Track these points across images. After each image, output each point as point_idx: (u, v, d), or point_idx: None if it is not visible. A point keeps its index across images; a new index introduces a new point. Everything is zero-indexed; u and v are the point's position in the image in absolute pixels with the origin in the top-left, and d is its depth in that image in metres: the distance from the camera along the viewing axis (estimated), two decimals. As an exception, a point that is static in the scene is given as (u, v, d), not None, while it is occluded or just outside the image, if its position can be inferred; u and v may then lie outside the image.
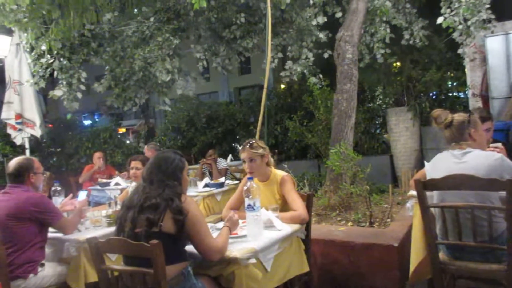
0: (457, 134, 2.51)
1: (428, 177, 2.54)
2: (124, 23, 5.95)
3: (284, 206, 2.93)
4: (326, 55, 6.29)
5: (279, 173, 3.03)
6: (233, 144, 8.86)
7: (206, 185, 4.99)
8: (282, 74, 6.41)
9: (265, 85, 4.85)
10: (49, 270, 2.94)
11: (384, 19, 5.96)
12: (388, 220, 4.00)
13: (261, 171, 2.97)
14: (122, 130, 10.10)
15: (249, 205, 2.46)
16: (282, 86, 9.34)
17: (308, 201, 3.01)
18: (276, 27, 6.25)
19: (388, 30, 6.11)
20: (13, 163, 2.97)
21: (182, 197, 2.16)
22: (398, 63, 7.61)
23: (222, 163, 6.05)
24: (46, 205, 2.90)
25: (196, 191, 4.78)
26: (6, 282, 2.71)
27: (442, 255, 2.51)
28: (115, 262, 2.67)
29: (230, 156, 7.16)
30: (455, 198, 2.36)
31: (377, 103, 7.51)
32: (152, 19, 5.70)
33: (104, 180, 6.34)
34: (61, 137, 9.63)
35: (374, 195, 4.47)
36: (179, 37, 5.73)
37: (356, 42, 5.02)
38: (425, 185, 2.41)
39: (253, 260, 2.26)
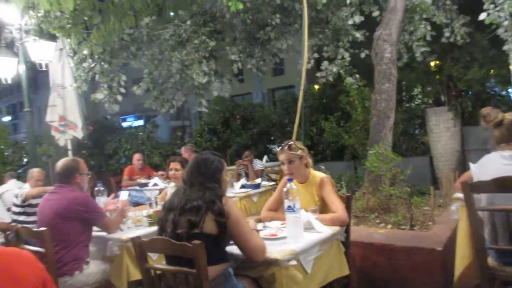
0: (507, 134, 2.40)
1: (475, 179, 2.44)
2: (161, 27, 6.07)
3: (323, 208, 2.90)
4: (363, 55, 6.18)
5: (318, 175, 3.00)
6: (268, 145, 8.86)
7: (243, 186, 5.02)
8: (318, 74, 6.36)
9: (302, 86, 4.83)
10: (93, 268, 3.03)
11: (424, 16, 5.80)
12: (430, 223, 3.88)
13: (300, 173, 2.95)
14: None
15: (289, 206, 2.45)
16: (316, 87, 9.27)
17: (347, 203, 2.96)
18: (312, 27, 6.20)
19: (429, 28, 5.94)
20: (61, 164, 3.09)
21: (223, 199, 2.17)
22: (437, 62, 7.38)
23: (258, 164, 6.06)
24: (91, 205, 2.99)
25: (233, 192, 4.81)
26: (54, 279, 2.81)
27: (491, 261, 2.41)
28: (156, 261, 2.73)
29: (265, 157, 7.17)
30: (506, 201, 2.26)
31: (416, 103, 7.32)
32: (188, 22, 5.79)
33: (143, 181, 6.49)
34: (101, 138, 9.95)
35: (415, 197, 4.35)
36: (215, 39, 5.79)
37: (395, 41, 4.91)
38: (472, 188, 2.32)
39: (294, 262, 2.25)
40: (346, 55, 6.08)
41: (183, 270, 2.04)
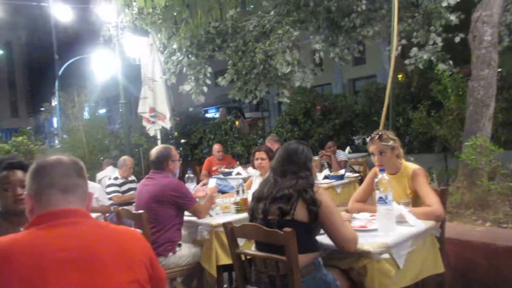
0: None
1: None
2: (245, 18, 6.17)
3: (414, 201, 2.76)
4: (457, 39, 5.73)
5: (411, 166, 2.85)
6: (351, 136, 8.64)
7: (326, 177, 4.95)
8: (406, 62, 6.02)
9: (390, 74, 4.61)
10: (185, 250, 3.19)
11: (530, -7, 5.22)
12: (537, 222, 3.52)
13: (391, 164, 2.82)
14: (237, 123, 10.61)
15: (380, 198, 2.36)
16: (400, 76, 8.83)
17: (442, 196, 2.79)
18: (400, 12, 5.88)
19: (536, 6, 5.34)
20: (155, 151, 3.28)
21: (315, 187, 2.16)
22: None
23: (342, 155, 5.94)
24: (183, 191, 3.14)
25: (316, 183, 4.75)
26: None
27: None
28: (242, 247, 2.80)
29: (348, 148, 6.99)
30: None
31: (518, 90, 6.63)
32: (272, 12, 5.81)
33: (226, 170, 6.67)
34: (187, 129, 10.42)
35: (518, 194, 3.97)
36: (298, 28, 5.74)
37: (496, 22, 4.49)
38: None
39: (386, 255, 2.17)
40: (438, 40, 5.67)
41: (274, 257, 2.06)
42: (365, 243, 2.20)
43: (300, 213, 2.09)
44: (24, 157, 7.24)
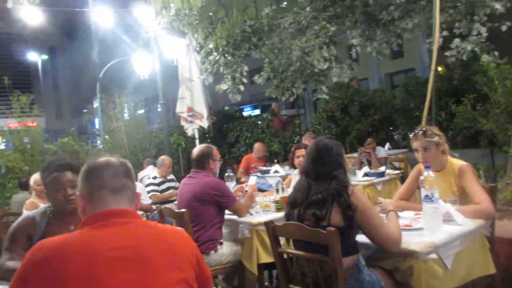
0: None
1: None
2: (280, 15, 6.13)
3: (461, 199, 2.65)
4: (504, 28, 5.46)
5: (457, 163, 2.74)
6: (391, 133, 8.43)
7: (366, 174, 4.85)
8: (447, 53, 5.80)
9: (433, 67, 4.45)
10: (226, 249, 3.22)
11: None
12: None
13: (437, 161, 2.72)
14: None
15: (426, 195, 2.29)
16: (441, 68, 8.51)
17: (492, 194, 2.67)
18: (442, 2, 5.68)
19: None
20: (196, 150, 3.33)
21: (349, 189, 2.10)
22: None
23: (382, 152, 5.80)
24: (224, 190, 3.17)
25: (356, 180, 4.67)
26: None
27: None
28: (283, 246, 2.79)
29: (387, 145, 6.83)
30: None
31: None
32: (308, 8, 5.74)
33: (264, 168, 6.68)
34: (224, 127, 10.51)
35: None
36: (335, 23, 5.65)
37: (546, 8, 4.24)
38: None
39: (434, 255, 2.10)
40: (483, 30, 5.42)
41: (318, 257, 2.04)
42: (411, 242, 2.13)
43: (336, 217, 2.05)
44: (70, 157, 7.55)
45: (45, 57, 28.54)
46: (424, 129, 2.75)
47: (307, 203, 2.12)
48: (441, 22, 5.68)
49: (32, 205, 3.89)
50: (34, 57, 26.50)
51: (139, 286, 1.16)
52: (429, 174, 2.30)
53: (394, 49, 6.96)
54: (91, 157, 1.36)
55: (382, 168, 5.06)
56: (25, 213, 2.19)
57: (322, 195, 2.09)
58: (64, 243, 1.16)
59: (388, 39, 6.45)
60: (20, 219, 2.16)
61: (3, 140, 8.89)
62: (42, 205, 2.28)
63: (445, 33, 5.97)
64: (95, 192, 1.29)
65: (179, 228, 1.46)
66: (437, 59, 4.63)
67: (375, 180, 4.76)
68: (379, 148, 5.87)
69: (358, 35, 6.22)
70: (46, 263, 1.11)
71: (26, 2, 4.57)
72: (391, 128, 8.86)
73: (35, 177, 4.10)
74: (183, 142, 9.77)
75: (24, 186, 5.85)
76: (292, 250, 2.28)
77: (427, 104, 4.48)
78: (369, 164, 5.60)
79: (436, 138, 2.69)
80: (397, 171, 5.39)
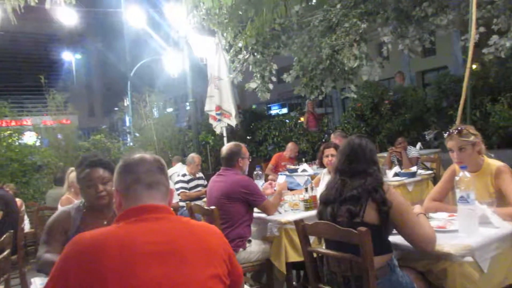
0: None
1: None
2: (310, 13, 6.09)
3: (499, 201, 2.56)
4: (544, 23, 5.25)
5: (494, 163, 2.64)
6: (423, 132, 8.21)
7: (396, 174, 4.76)
8: (484, 51, 5.62)
9: (468, 64, 4.32)
10: (255, 247, 3.22)
11: None
12: None
13: (472, 161, 2.63)
14: (301, 119, 10.55)
15: (461, 197, 2.22)
16: (475, 66, 8.23)
17: (531, 196, 2.56)
18: (478, -3, 5.51)
19: None
20: (226, 148, 3.35)
21: (385, 186, 2.07)
22: None
23: (413, 151, 5.68)
24: (253, 187, 3.18)
25: (387, 180, 4.58)
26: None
27: None
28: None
29: (419, 144, 6.68)
30: None
31: None
32: (338, 6, 5.68)
33: (292, 167, 6.66)
34: (251, 126, 10.53)
35: None
36: (366, 20, 5.57)
37: None
38: None
39: (469, 258, 2.04)
40: (523, 25, 5.23)
41: (348, 257, 2.01)
42: (445, 244, 2.07)
43: (370, 214, 2.02)
44: (102, 154, 7.75)
45: (78, 56, 29.38)
46: (459, 128, 2.66)
47: (341, 200, 2.11)
48: (477, 18, 5.52)
49: (67, 201, 4.01)
50: (69, 57, 27.34)
51: (174, 281, 1.17)
52: (464, 174, 2.23)
53: (426, 46, 6.79)
54: (122, 154, 1.40)
55: (414, 168, 4.95)
56: (61, 208, 2.26)
57: (357, 191, 2.07)
58: (101, 237, 1.19)
59: (420, 36, 6.31)
60: (56, 213, 2.23)
61: (39, 137, 9.21)
62: (77, 201, 2.35)
63: (481, 29, 5.79)
64: (131, 187, 1.32)
65: (211, 224, 1.47)
66: (472, 56, 4.49)
67: (406, 180, 4.66)
68: (410, 148, 5.75)
69: (390, 32, 6.10)
70: (85, 256, 1.14)
71: (63, 3, 4.70)
72: (423, 128, 8.63)
73: (74, 174, 4.23)
74: (211, 140, 9.85)
75: (59, 182, 6.02)
76: (321, 249, 2.26)
77: (462, 102, 4.36)
78: (400, 164, 5.49)
79: (472, 138, 2.60)
80: (429, 172, 5.26)
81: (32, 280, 1.85)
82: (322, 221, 2.19)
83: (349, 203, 2.07)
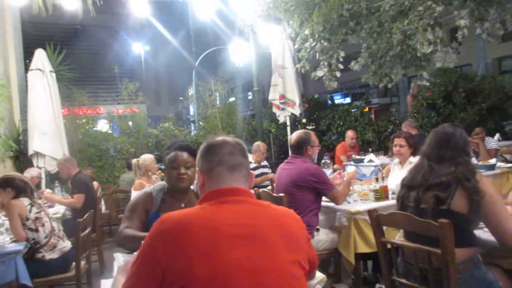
0: None
1: None
2: (381, -2, 5.83)
3: None
4: None
5: None
6: (502, 122, 7.66)
7: (473, 167, 4.47)
8: None
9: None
10: (323, 236, 3.19)
11: None
12: None
13: None
14: (366, 109, 10.19)
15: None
16: None
17: None
18: None
19: None
20: (295, 136, 3.33)
21: (477, 176, 1.96)
22: None
23: (492, 143, 5.31)
24: (322, 176, 3.14)
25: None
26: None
27: None
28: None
29: (497, 135, 6.24)
30: None
31: None
32: (411, -12, 5.38)
33: (358, 157, 6.51)
34: (315, 115, 10.40)
35: None
36: (441, 3, 5.23)
37: None
38: None
39: None
40: None
41: (426, 249, 1.93)
42: (536, 242, 1.92)
43: (459, 202, 1.92)
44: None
45: (147, 48, 30.59)
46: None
47: (427, 185, 2.03)
48: None
49: (140, 186, 4.22)
50: (138, 48, 28.56)
51: (255, 264, 1.18)
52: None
53: (510, 30, 6.27)
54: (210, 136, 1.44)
55: (492, 161, 4.64)
56: (145, 189, 2.39)
57: (446, 178, 1.99)
58: (187, 218, 1.22)
59: (502, 18, 5.82)
60: (139, 193, 2.35)
61: (110, 125, 9.75)
62: (160, 182, 2.46)
63: None
64: (214, 169, 1.34)
65: (290, 209, 1.47)
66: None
67: (484, 173, 4.37)
68: (488, 139, 5.38)
69: (467, 15, 5.69)
70: (171, 235, 1.19)
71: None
72: (503, 117, 8.01)
73: (149, 159, 4.44)
74: (273, 129, 9.86)
75: (131, 167, 6.36)
76: (397, 240, 2.19)
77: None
78: (477, 156, 5.16)
79: None
80: (509, 164, 4.90)
81: (115, 255, 1.96)
82: (400, 211, 2.11)
83: (436, 189, 1.99)
